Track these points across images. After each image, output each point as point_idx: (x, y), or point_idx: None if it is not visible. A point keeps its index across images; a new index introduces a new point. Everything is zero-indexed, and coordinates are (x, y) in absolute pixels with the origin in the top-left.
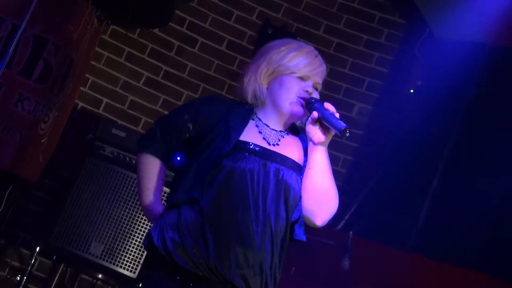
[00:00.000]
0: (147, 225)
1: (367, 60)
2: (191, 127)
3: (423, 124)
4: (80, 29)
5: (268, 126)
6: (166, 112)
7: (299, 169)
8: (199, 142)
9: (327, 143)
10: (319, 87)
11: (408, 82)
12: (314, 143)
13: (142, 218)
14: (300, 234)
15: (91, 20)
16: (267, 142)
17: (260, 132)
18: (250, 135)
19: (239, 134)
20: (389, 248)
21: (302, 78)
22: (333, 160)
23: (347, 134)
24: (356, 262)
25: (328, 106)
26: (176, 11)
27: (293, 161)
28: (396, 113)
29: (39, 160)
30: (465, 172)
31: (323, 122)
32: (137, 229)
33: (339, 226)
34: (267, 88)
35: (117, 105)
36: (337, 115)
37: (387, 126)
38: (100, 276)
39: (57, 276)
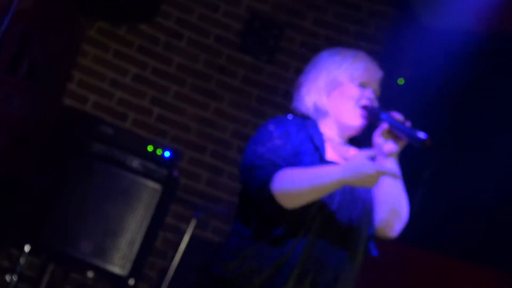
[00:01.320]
0: (137, 222)
1: None
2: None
3: (413, 114)
4: (66, 26)
5: (334, 140)
6: (154, 108)
7: None
8: (290, 165)
9: (398, 154)
10: (378, 93)
11: (397, 73)
12: (385, 157)
13: (131, 215)
14: (372, 249)
15: (77, 17)
16: (342, 158)
17: (333, 148)
18: (328, 152)
19: (325, 153)
20: (382, 241)
21: (362, 85)
22: None
23: (428, 145)
24: None
25: (397, 115)
26: (162, 6)
27: None
28: (385, 104)
29: (25, 157)
30: (457, 161)
31: (395, 133)
32: (127, 226)
33: None
34: (327, 100)
35: (105, 102)
36: (408, 123)
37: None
38: (90, 274)
39: (47, 275)
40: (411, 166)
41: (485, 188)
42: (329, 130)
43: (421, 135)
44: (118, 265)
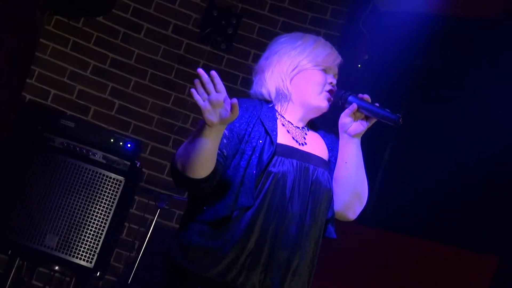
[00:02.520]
0: (101, 214)
1: None
2: (227, 133)
3: (372, 98)
4: (22, 21)
5: (291, 123)
6: (115, 100)
7: (327, 165)
8: (237, 147)
9: (361, 135)
10: (337, 78)
11: (355, 57)
12: (350, 136)
13: (95, 208)
14: (332, 232)
15: (33, 11)
16: (296, 141)
17: (288, 132)
18: (280, 135)
19: (276, 137)
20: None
21: (325, 71)
22: None
23: (401, 123)
24: None
25: (365, 97)
26: None
27: (322, 158)
28: (345, 88)
29: None
30: (416, 142)
31: (364, 113)
32: (92, 218)
33: None
34: (290, 84)
35: (65, 95)
36: (377, 105)
37: (337, 102)
38: (57, 268)
39: (14, 270)
40: (371, 148)
41: (442, 168)
42: (289, 114)
43: (394, 114)
44: (84, 258)
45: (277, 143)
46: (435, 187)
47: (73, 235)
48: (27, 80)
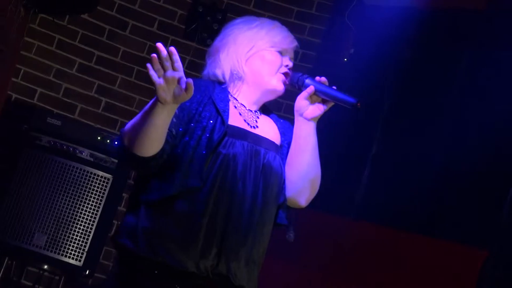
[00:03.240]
0: (89, 212)
1: (299, 31)
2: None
3: (359, 92)
4: (7, 20)
5: (244, 106)
6: (101, 98)
7: (278, 149)
8: (187, 127)
9: (318, 119)
10: (292, 62)
11: (341, 51)
12: (306, 119)
13: (84, 206)
14: (283, 218)
15: (17, 10)
16: (248, 124)
17: (240, 114)
18: (232, 117)
19: (228, 118)
20: (333, 217)
21: (281, 53)
22: None
23: (359, 107)
24: (301, 234)
25: (322, 80)
26: None
27: (274, 142)
28: (331, 83)
29: None
30: (403, 135)
31: (321, 96)
32: (80, 217)
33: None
34: (246, 65)
35: (52, 94)
36: (335, 88)
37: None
38: (46, 267)
39: (2, 270)
40: (358, 141)
41: (431, 161)
42: (242, 97)
43: (352, 98)
44: (73, 257)
45: (228, 124)
46: (423, 181)
47: (61, 234)
48: (13, 79)
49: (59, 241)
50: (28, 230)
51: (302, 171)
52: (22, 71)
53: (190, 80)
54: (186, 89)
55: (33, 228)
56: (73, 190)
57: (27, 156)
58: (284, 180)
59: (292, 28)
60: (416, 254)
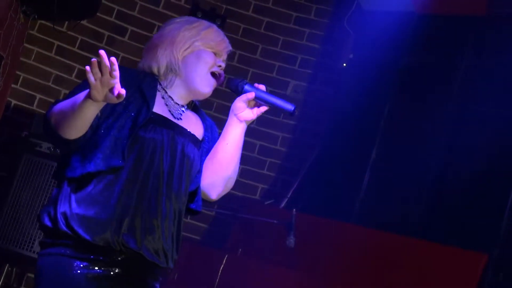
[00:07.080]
0: None
1: (298, 37)
2: None
3: (358, 97)
4: (6, 26)
5: (172, 99)
6: None
7: (198, 143)
8: (112, 109)
9: (250, 123)
10: (225, 64)
11: (340, 56)
12: (240, 120)
13: None
14: (196, 205)
15: (17, 16)
16: (172, 115)
17: (166, 105)
18: (158, 106)
19: (153, 105)
20: (333, 222)
21: (215, 54)
22: (272, 139)
23: (296, 113)
24: (301, 239)
25: (261, 86)
26: (103, 1)
27: (194, 135)
28: (331, 88)
29: None
30: (402, 141)
31: (259, 102)
32: None
33: (282, 204)
34: (181, 61)
35: (51, 100)
36: (273, 95)
37: (323, 101)
38: None
39: (3, 277)
40: (358, 147)
41: (430, 166)
42: (172, 91)
43: (290, 105)
44: None
45: (152, 111)
46: (423, 186)
47: None
48: (12, 85)
49: None
50: (29, 236)
51: (221, 167)
52: (21, 77)
53: (123, 91)
54: (118, 96)
55: (33, 235)
56: None
57: (27, 162)
58: (199, 170)
59: (291, 34)
60: (417, 258)
